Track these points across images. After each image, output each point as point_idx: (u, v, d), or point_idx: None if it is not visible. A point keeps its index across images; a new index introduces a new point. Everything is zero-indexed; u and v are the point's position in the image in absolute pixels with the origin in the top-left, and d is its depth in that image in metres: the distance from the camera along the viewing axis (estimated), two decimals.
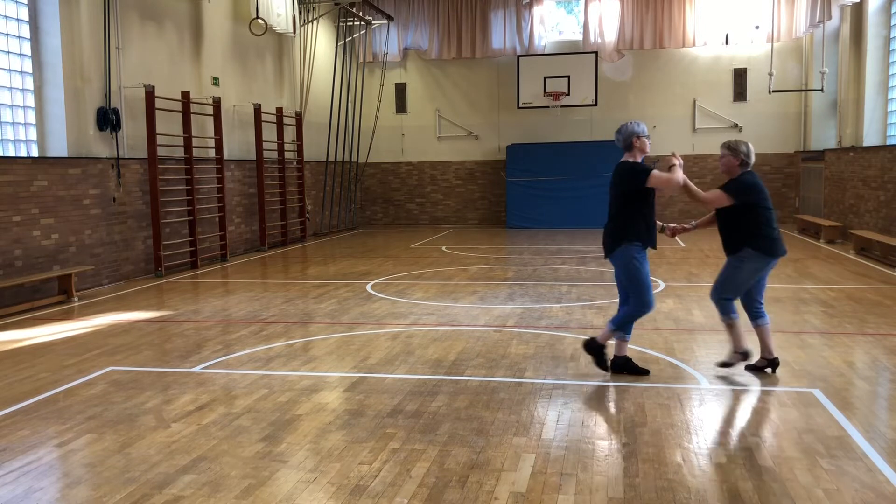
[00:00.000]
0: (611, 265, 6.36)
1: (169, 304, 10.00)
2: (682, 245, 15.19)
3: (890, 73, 15.46)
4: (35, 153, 10.93)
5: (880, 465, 4.32)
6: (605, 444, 4.72)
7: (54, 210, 10.57)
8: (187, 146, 13.22)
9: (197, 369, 6.67)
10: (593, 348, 6.23)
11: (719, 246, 6.32)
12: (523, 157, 20.61)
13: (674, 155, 6.27)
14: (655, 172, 6.09)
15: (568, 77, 19.84)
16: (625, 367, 6.19)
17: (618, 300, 6.36)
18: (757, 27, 19.44)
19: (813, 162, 18.65)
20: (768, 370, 6.18)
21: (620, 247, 6.11)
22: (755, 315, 6.16)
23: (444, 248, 15.98)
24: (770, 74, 17.39)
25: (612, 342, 6.25)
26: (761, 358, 6.22)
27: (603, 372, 6.19)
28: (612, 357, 6.22)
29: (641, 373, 6.18)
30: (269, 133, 16.84)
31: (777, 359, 6.21)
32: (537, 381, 6.08)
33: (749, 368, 6.22)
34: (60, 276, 10.28)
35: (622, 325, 6.16)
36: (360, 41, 20.96)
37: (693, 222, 6.46)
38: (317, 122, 19.36)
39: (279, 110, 17.08)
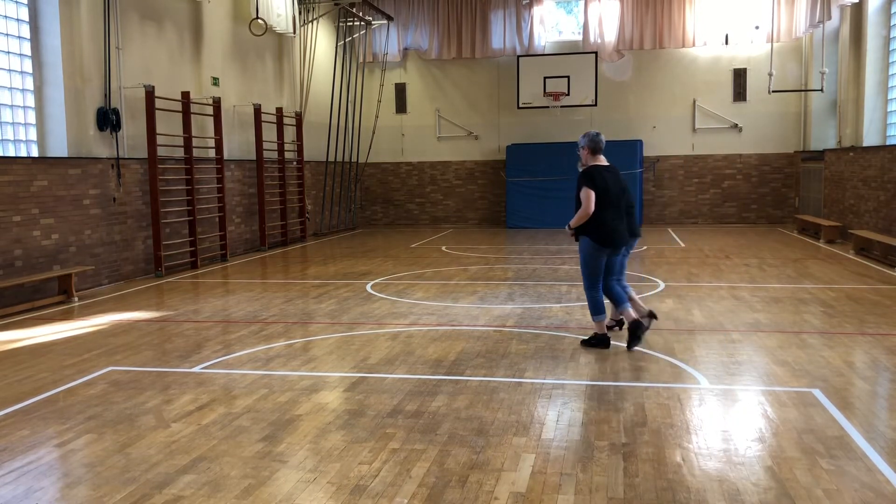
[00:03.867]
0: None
1: (169, 304, 10.00)
2: (682, 245, 15.19)
3: (890, 73, 15.46)
4: (35, 153, 10.93)
5: (880, 465, 4.32)
6: (605, 444, 4.72)
7: (54, 210, 10.57)
8: (187, 146, 13.22)
9: (197, 369, 6.67)
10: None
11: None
12: (523, 157, 20.61)
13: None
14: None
15: (568, 77, 19.84)
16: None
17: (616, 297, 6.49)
18: (757, 27, 19.45)
19: (813, 162, 18.65)
20: (617, 329, 7.69)
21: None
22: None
23: (444, 248, 15.98)
24: (770, 74, 17.38)
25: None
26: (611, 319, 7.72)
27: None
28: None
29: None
30: (269, 133, 16.84)
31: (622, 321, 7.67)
32: (537, 381, 6.08)
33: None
34: (60, 276, 10.28)
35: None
36: (360, 41, 20.96)
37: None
38: (317, 122, 19.36)
39: (279, 110, 17.08)
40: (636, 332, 6.94)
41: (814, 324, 8.02)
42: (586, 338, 7.24)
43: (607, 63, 20.34)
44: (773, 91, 17.63)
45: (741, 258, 13.18)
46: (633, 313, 7.06)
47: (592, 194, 6.85)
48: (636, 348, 6.99)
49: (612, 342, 7.20)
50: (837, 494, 3.96)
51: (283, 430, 5.05)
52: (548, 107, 20.09)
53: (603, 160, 7.09)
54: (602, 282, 7.13)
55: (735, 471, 4.27)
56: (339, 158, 20.19)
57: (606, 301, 7.28)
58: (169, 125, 12.99)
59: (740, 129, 20.08)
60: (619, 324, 7.76)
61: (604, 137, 7.16)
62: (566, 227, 7.17)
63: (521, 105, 20.38)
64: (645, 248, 15.01)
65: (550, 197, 20.19)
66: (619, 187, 7.06)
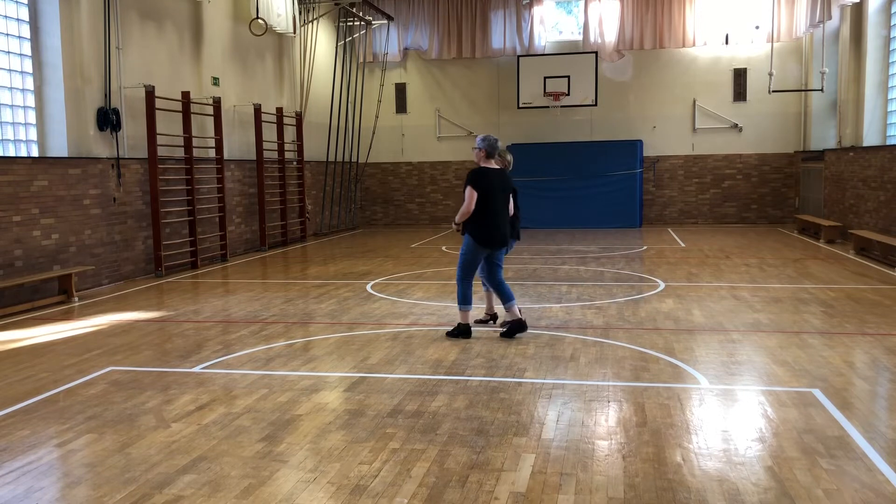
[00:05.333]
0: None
1: (169, 304, 10.00)
2: (682, 245, 15.19)
3: (890, 73, 15.46)
4: (35, 153, 10.93)
5: (880, 465, 4.32)
6: (605, 444, 4.72)
7: (54, 210, 10.57)
8: (187, 146, 13.22)
9: (197, 369, 6.67)
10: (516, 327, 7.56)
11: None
12: (523, 157, 20.52)
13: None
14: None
15: (568, 77, 19.84)
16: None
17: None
18: (757, 27, 19.45)
19: (813, 162, 18.65)
20: (491, 322, 8.07)
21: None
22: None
23: (444, 248, 15.98)
24: (770, 74, 17.38)
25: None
26: (486, 314, 8.19)
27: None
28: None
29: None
30: (269, 133, 16.84)
31: (496, 314, 8.12)
32: (537, 381, 6.08)
33: (478, 322, 8.02)
34: (60, 276, 10.28)
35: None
36: (360, 41, 20.96)
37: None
38: (317, 122, 19.36)
39: (279, 110, 17.08)
40: (517, 330, 7.55)
41: (814, 324, 8.02)
42: (451, 329, 7.66)
43: (607, 63, 20.34)
44: (773, 91, 17.63)
45: (741, 258, 13.17)
46: (517, 312, 7.60)
47: (474, 195, 7.33)
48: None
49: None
50: (837, 494, 3.96)
51: (283, 430, 5.05)
52: (548, 107, 20.09)
53: (494, 164, 7.65)
54: (496, 276, 7.68)
55: (735, 471, 4.27)
56: (339, 158, 20.19)
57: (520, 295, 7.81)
58: (169, 125, 12.99)
59: (740, 129, 20.08)
60: (493, 317, 8.15)
61: (501, 144, 7.76)
62: (453, 223, 7.65)
63: (521, 105, 20.37)
64: (645, 248, 15.01)
65: (550, 197, 20.17)
66: (505, 191, 7.58)
